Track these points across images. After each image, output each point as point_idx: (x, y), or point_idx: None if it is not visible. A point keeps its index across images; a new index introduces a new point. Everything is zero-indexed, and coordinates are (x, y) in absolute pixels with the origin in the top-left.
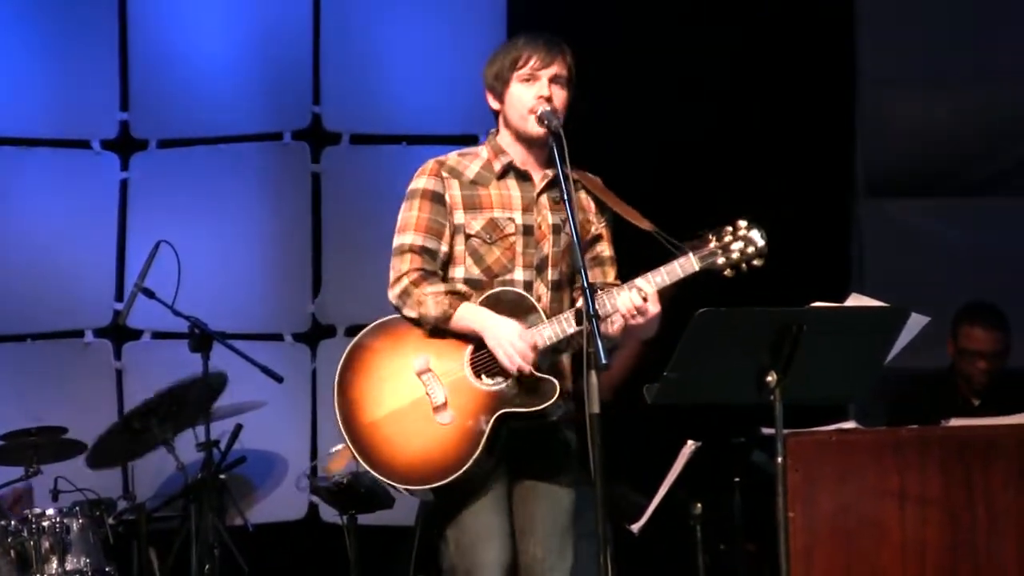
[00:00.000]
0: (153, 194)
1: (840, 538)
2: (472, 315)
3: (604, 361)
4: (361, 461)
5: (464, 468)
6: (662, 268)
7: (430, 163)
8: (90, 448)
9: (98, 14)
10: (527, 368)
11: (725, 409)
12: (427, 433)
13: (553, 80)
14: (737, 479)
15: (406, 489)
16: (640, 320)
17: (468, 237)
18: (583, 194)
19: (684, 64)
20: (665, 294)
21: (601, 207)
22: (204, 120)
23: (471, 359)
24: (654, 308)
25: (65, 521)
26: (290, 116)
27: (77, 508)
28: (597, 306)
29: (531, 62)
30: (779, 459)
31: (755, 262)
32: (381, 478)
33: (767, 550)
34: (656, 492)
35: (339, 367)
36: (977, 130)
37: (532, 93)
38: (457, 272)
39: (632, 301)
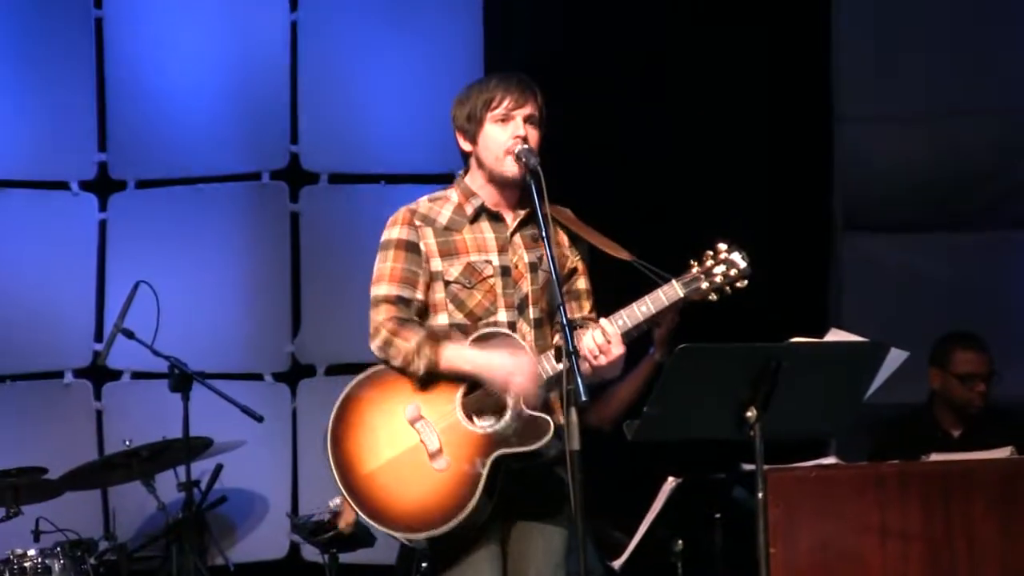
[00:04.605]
0: (132, 235)
1: (821, 573)
2: (462, 355)
3: (584, 398)
4: (360, 514)
5: (465, 512)
6: (646, 297)
7: (402, 212)
8: (65, 473)
9: (75, 55)
10: (536, 391)
11: (706, 445)
12: (424, 480)
13: (527, 120)
14: (718, 515)
15: (408, 539)
16: (602, 361)
17: (447, 284)
18: (556, 228)
19: (661, 101)
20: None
21: (575, 240)
22: (182, 161)
23: (462, 402)
24: (617, 350)
25: (47, 561)
26: (268, 156)
27: (59, 548)
28: (576, 342)
29: (505, 102)
30: (759, 495)
31: (739, 284)
32: (383, 529)
33: None
34: (637, 528)
35: (330, 421)
36: (955, 165)
37: (508, 133)
38: (440, 319)
39: (595, 340)
